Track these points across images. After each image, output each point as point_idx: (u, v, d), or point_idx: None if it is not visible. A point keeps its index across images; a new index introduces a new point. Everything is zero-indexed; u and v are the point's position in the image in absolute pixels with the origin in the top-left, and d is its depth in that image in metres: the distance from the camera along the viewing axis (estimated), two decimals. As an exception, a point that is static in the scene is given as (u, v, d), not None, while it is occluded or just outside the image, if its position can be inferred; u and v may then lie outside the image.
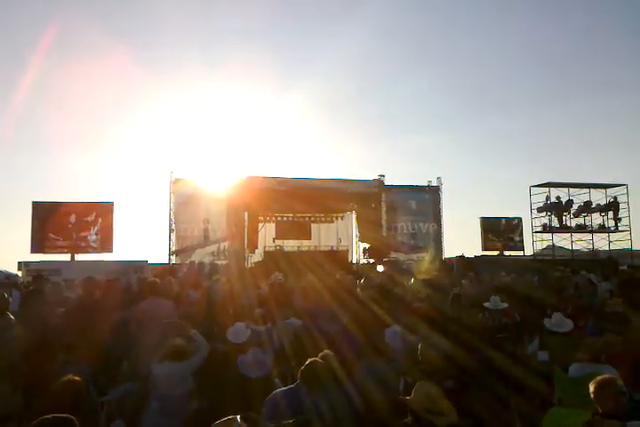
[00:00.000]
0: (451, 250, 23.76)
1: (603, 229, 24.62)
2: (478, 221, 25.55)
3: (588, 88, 48.61)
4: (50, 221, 20.30)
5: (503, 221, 25.97)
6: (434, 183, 24.06)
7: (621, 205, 24.18)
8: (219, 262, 19.16)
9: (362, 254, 22.24)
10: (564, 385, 4.40)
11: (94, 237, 20.77)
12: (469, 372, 4.27)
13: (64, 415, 2.84)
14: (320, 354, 4.24)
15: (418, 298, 7.74)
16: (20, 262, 18.59)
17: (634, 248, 23.70)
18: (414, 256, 22.73)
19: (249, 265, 19.10)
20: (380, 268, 18.74)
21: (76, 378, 3.78)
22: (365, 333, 5.28)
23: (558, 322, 5.60)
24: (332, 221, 23.13)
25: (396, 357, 5.02)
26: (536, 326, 6.32)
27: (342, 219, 23.03)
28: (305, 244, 21.90)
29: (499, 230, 25.80)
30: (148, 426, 4.54)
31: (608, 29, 47.24)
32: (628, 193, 23.84)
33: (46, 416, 2.80)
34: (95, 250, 20.73)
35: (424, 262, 20.34)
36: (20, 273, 17.86)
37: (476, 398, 3.93)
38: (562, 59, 46.65)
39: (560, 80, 47.59)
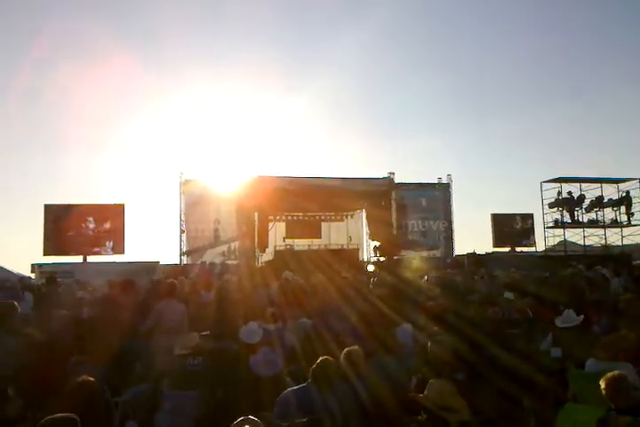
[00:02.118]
0: (462, 247, 23.65)
1: (615, 223, 24.37)
2: (489, 217, 25.36)
3: (598, 83, 48.17)
4: (62, 224, 20.45)
5: (514, 217, 25.75)
6: (444, 180, 23.95)
7: (634, 200, 23.93)
8: (229, 262, 19.23)
9: (372, 253, 22.21)
10: (579, 381, 4.37)
11: (106, 238, 20.91)
12: (479, 366, 4.25)
13: (68, 415, 2.86)
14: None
15: (428, 296, 7.71)
16: (33, 265, 18.82)
17: (646, 243, 23.48)
18: (425, 254, 22.64)
19: (259, 264, 19.11)
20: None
21: (90, 378, 3.79)
22: (375, 331, 5.27)
23: (567, 318, 5.57)
24: (342, 220, 23.06)
25: (407, 355, 5.01)
26: (549, 322, 6.26)
27: (352, 217, 22.95)
28: (315, 243, 21.81)
29: (510, 227, 25.55)
30: (161, 426, 4.56)
31: (615, 24, 46.75)
32: (640, 187, 23.61)
33: (51, 416, 2.83)
34: (107, 252, 20.87)
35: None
36: (33, 275, 18.05)
37: (488, 396, 3.91)
38: (571, 54, 46.27)
39: (570, 76, 47.15)
